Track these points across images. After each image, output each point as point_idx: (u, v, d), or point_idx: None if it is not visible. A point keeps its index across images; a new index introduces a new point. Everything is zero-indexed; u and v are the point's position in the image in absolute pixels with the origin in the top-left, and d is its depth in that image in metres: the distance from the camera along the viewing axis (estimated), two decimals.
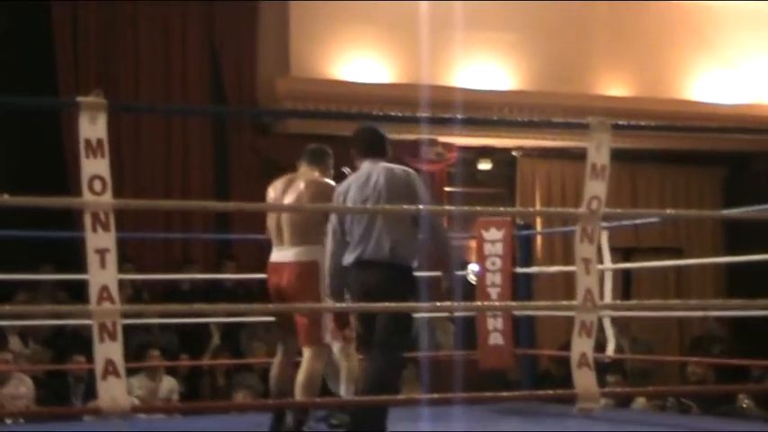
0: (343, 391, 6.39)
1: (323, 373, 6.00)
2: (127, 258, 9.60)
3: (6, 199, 3.98)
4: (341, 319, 5.60)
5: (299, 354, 5.92)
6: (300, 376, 5.69)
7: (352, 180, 5.51)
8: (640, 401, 8.43)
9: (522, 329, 8.21)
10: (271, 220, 5.87)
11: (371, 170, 5.45)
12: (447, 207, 11.76)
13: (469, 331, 8.56)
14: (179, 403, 8.71)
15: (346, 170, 6.05)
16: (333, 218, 5.48)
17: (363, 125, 5.65)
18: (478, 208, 10.39)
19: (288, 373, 5.97)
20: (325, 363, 6.00)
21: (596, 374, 4.26)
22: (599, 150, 4.33)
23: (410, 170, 5.47)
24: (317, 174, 5.96)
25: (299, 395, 5.64)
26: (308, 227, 5.74)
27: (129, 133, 11.13)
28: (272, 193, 5.96)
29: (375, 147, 5.57)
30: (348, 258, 5.37)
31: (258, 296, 9.92)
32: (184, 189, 11.33)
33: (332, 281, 5.42)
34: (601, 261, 6.23)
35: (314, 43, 11.62)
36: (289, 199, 5.86)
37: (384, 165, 5.47)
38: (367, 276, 5.29)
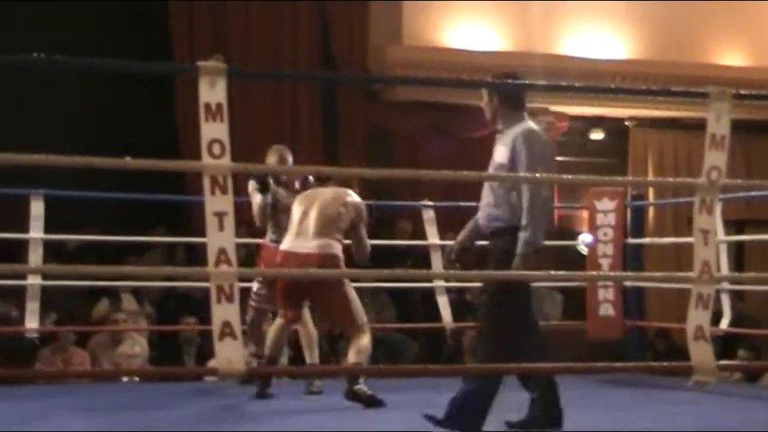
0: (309, 357, 6.69)
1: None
2: (240, 222, 9.68)
3: (130, 162, 4.05)
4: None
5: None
6: (353, 351, 6.04)
7: None
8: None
9: (631, 301, 8.13)
10: (297, 212, 6.38)
11: None
12: (560, 176, 11.67)
13: (577, 302, 8.50)
14: (288, 367, 8.78)
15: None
16: None
17: None
18: (593, 177, 10.26)
19: (285, 338, 6.49)
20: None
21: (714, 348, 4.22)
22: (719, 120, 4.27)
23: None
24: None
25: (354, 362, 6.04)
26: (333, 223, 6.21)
27: (239, 101, 11.19)
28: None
29: None
30: None
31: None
32: (293, 156, 11.37)
33: None
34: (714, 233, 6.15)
35: (426, 11, 11.56)
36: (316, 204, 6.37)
37: None
38: None
